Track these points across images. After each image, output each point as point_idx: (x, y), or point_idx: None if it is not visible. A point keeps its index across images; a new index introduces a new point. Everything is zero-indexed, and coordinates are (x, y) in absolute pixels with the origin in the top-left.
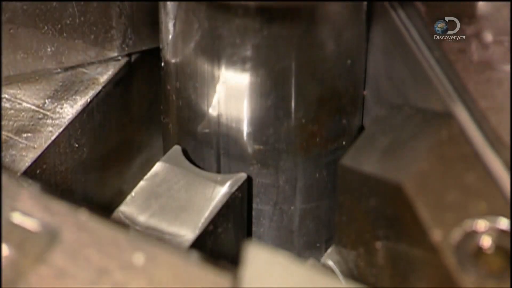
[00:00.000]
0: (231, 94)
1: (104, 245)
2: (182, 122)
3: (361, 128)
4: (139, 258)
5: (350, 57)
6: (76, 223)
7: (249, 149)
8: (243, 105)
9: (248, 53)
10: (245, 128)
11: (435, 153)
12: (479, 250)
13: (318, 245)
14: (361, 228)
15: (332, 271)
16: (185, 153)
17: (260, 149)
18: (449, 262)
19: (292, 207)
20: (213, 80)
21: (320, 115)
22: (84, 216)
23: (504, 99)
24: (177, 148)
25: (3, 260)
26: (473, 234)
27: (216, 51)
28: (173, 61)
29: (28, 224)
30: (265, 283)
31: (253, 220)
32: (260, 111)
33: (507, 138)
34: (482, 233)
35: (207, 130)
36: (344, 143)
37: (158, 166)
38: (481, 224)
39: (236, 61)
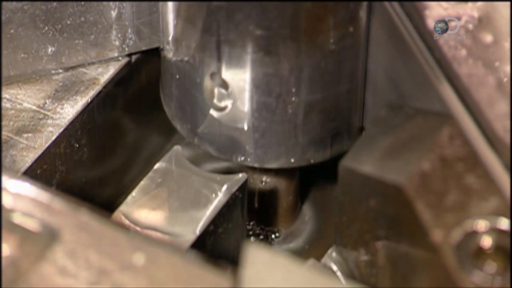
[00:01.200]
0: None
1: (104, 245)
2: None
3: (361, 129)
4: (139, 259)
5: None
6: (76, 223)
7: (251, 35)
8: None
9: None
10: (247, 11)
11: (435, 154)
12: (479, 250)
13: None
14: (362, 229)
15: (332, 271)
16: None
17: (262, 35)
18: (449, 262)
19: (296, 99)
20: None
21: None
22: (84, 216)
23: (504, 99)
24: (177, 148)
25: (3, 260)
26: (473, 234)
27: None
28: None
29: (28, 224)
30: (265, 283)
31: (255, 114)
32: None
33: (507, 138)
34: (482, 233)
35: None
36: (351, 29)
37: (158, 166)
38: (481, 224)
39: None
